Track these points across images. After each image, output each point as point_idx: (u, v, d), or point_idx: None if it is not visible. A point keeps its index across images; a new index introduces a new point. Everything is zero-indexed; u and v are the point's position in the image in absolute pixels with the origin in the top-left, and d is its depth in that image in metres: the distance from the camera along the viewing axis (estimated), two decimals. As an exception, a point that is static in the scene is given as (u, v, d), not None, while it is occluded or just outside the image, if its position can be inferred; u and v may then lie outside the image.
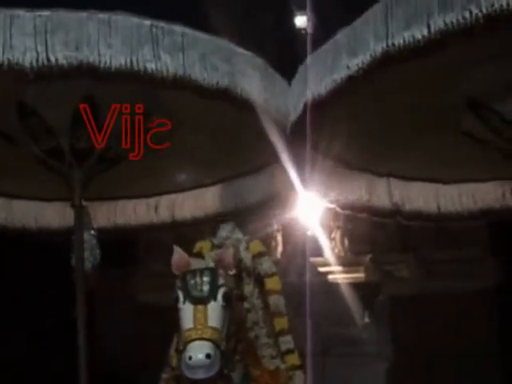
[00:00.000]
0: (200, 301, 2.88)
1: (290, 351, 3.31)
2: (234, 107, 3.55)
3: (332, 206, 4.69)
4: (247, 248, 3.41)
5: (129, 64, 3.27)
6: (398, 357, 7.54)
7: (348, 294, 7.28)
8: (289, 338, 3.34)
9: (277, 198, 4.61)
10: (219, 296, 2.89)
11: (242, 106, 3.55)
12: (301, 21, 6.94)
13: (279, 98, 3.79)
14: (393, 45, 3.00)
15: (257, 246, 3.45)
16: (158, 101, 3.68)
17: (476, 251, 7.98)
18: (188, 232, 7.01)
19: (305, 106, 3.52)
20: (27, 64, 3.20)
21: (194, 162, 4.30)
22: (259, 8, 7.15)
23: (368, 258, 8.00)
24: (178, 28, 3.44)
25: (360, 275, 7.93)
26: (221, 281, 2.93)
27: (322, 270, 7.59)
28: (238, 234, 3.45)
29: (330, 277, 7.70)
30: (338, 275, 7.69)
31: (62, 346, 4.25)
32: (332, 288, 7.41)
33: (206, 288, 2.90)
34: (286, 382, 3.25)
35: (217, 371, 2.77)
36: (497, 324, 7.80)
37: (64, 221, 4.66)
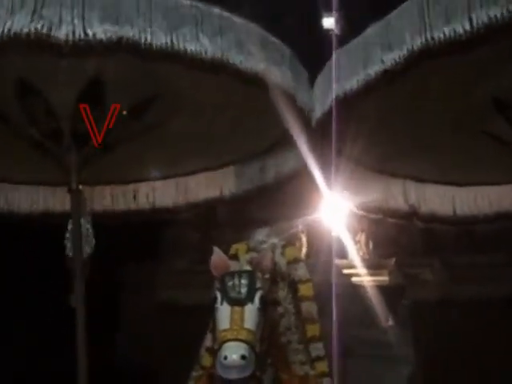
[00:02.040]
0: (237, 302, 2.94)
1: (319, 358, 3.34)
2: (263, 93, 3.49)
3: (353, 208, 4.69)
4: (283, 253, 3.45)
5: (169, 43, 3.18)
6: (421, 361, 7.50)
7: (372, 297, 7.25)
8: (320, 344, 3.37)
9: (290, 182, 4.57)
10: (256, 299, 2.95)
11: (272, 93, 3.49)
12: (328, 22, 6.93)
13: (305, 90, 3.77)
14: (432, 39, 2.94)
15: (292, 252, 3.50)
16: (168, 83, 3.62)
17: (501, 256, 7.92)
18: (211, 231, 7.08)
19: (332, 101, 3.50)
20: (62, 37, 3.02)
21: (198, 146, 4.25)
22: (285, 9, 7.16)
23: (392, 261, 7.97)
24: (216, 10, 3.38)
25: (384, 278, 7.90)
26: (258, 284, 3.00)
27: (346, 272, 7.57)
28: (274, 239, 3.48)
29: (354, 279, 7.68)
30: (363, 278, 7.67)
31: (61, 338, 4.19)
32: (356, 290, 7.38)
33: (243, 290, 2.97)
34: None
35: (250, 373, 2.80)
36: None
37: (59, 206, 4.58)
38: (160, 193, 4.77)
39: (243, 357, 2.78)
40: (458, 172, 4.36)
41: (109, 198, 4.75)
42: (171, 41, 3.18)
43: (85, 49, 3.07)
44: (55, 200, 4.62)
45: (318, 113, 3.68)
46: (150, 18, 3.17)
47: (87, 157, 3.95)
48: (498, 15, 2.76)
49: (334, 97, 3.44)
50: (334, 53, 3.58)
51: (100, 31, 3.07)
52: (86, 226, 4.03)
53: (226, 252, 3.27)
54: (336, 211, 6.13)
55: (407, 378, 7.45)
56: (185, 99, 3.78)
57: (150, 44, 3.14)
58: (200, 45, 3.25)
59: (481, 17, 2.80)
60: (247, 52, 3.39)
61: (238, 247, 3.40)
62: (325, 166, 3.91)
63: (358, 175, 4.32)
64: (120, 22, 3.12)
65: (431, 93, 3.44)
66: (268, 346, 2.98)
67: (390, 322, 7.55)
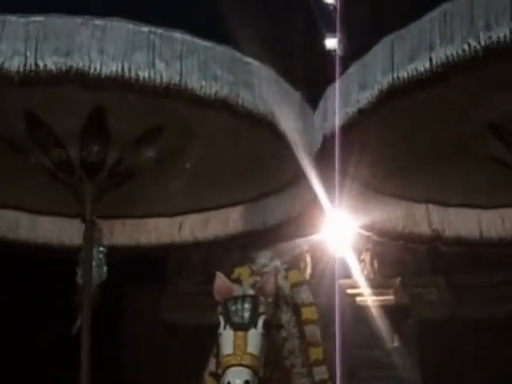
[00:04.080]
0: (240, 327, 2.92)
1: (323, 381, 3.32)
2: (236, 118, 3.47)
3: (366, 232, 4.70)
4: (286, 277, 3.44)
5: (120, 71, 3.17)
6: (427, 381, 7.46)
7: (377, 317, 7.23)
8: (323, 368, 3.35)
9: (299, 218, 4.58)
10: (259, 323, 2.94)
11: (245, 117, 3.46)
12: (331, 43, 6.97)
13: (292, 110, 3.71)
14: (398, 78, 3.10)
15: (296, 276, 3.48)
16: (169, 113, 3.62)
17: (506, 275, 7.90)
18: (215, 252, 7.08)
19: (324, 137, 3.62)
20: (13, 68, 3.13)
21: (212, 181, 4.26)
22: (288, 30, 7.20)
23: (398, 280, 7.95)
24: (178, 35, 3.34)
25: (389, 298, 7.87)
26: (261, 308, 2.98)
27: (350, 291, 7.55)
28: (277, 262, 3.48)
29: (359, 299, 7.66)
30: (367, 297, 7.64)
31: (66, 364, 4.19)
32: (361, 310, 7.37)
33: (246, 315, 2.95)
34: None
35: None
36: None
37: (74, 238, 4.61)
38: (176, 229, 4.81)
39: (247, 382, 2.77)
40: (481, 195, 4.38)
41: (127, 232, 4.79)
42: (122, 69, 3.18)
43: (36, 79, 3.15)
44: (72, 231, 4.63)
45: (314, 148, 3.75)
46: (102, 48, 3.19)
47: (101, 187, 3.98)
48: (454, 53, 2.92)
49: (324, 134, 3.59)
50: (327, 89, 3.67)
51: (50, 62, 3.14)
52: (99, 255, 4.06)
53: (229, 274, 3.27)
54: (341, 231, 6.13)
55: (413, 398, 7.42)
56: (194, 132, 3.80)
57: (99, 73, 3.16)
58: (155, 71, 3.22)
59: (439, 56, 2.96)
60: (211, 76, 3.34)
61: (241, 271, 3.39)
62: (328, 187, 3.93)
63: (374, 200, 4.35)
64: (71, 53, 3.17)
65: (417, 124, 3.53)
66: (272, 370, 2.97)
67: (396, 343, 7.52)
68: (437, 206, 4.55)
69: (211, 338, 3.16)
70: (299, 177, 3.91)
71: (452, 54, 2.91)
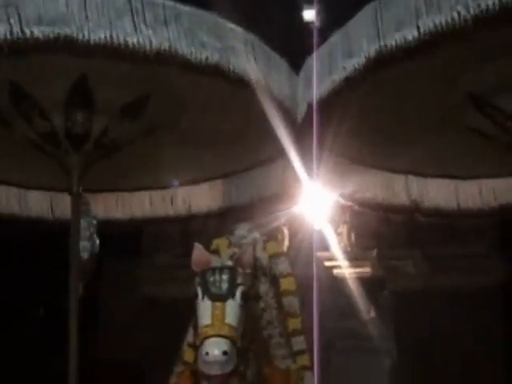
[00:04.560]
0: (218, 298, 2.94)
1: (301, 352, 3.35)
2: (228, 85, 3.43)
3: (345, 202, 4.71)
4: (264, 248, 3.45)
5: (108, 38, 3.13)
6: (402, 352, 7.56)
7: (353, 289, 7.30)
8: (301, 338, 3.38)
9: (288, 189, 4.59)
10: (237, 294, 2.95)
11: (237, 84, 3.42)
12: (309, 15, 6.94)
13: (280, 77, 3.67)
14: (385, 46, 3.06)
15: (274, 247, 3.50)
16: (157, 81, 3.58)
17: (481, 247, 7.99)
18: (193, 225, 7.08)
19: (308, 106, 3.57)
20: (1, 37, 3.08)
21: (203, 152, 4.24)
22: (267, 2, 7.16)
23: (374, 252, 8.01)
24: (159, 0, 3.28)
25: (366, 270, 7.95)
26: (239, 279, 3.00)
27: (328, 264, 7.61)
28: (255, 234, 3.48)
29: (336, 271, 7.72)
30: (344, 270, 7.71)
31: (56, 338, 4.20)
32: (338, 282, 7.43)
33: (224, 286, 2.97)
34: (297, 382, 3.28)
35: (232, 368, 2.82)
36: (503, 320, 7.80)
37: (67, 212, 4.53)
38: (160, 201, 4.80)
39: (225, 352, 2.79)
40: (459, 166, 4.40)
41: (121, 206, 4.78)
42: (110, 35, 3.13)
43: (23, 47, 3.10)
44: (66, 205, 4.62)
45: (298, 117, 3.72)
46: (87, 15, 3.14)
47: (87, 159, 3.93)
48: (443, 22, 2.88)
49: (310, 101, 3.52)
50: (308, 58, 3.63)
51: (37, 30, 3.10)
52: (90, 227, 4.04)
53: (207, 246, 3.28)
54: (318, 204, 6.15)
55: (389, 369, 7.53)
56: (183, 101, 3.77)
57: (88, 40, 3.12)
58: (143, 37, 3.18)
59: (427, 24, 2.92)
60: (199, 42, 3.29)
61: (219, 242, 3.40)
62: (309, 159, 3.94)
63: (354, 171, 4.36)
64: (57, 21, 3.12)
65: (402, 94, 3.52)
66: (250, 340, 2.99)
67: (372, 314, 7.60)
68: (416, 177, 4.57)
69: (190, 310, 3.17)
70: (283, 148, 3.91)
71: (440, 23, 2.88)
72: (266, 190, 4.58)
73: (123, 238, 6.12)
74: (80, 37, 3.11)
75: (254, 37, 3.60)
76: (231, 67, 3.36)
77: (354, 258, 7.89)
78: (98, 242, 4.07)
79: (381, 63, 3.10)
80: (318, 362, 3.49)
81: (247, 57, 3.47)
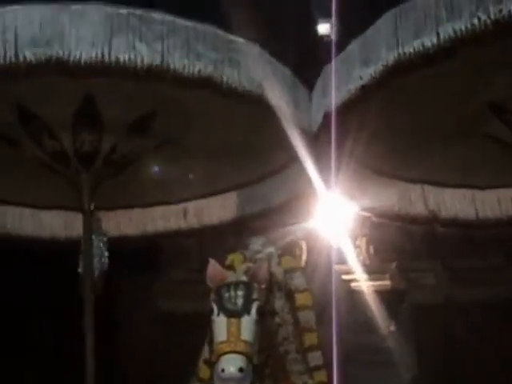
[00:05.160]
0: (234, 314, 2.95)
1: (318, 367, 3.34)
2: (223, 97, 3.42)
3: (364, 213, 4.69)
4: (279, 263, 3.44)
5: (100, 56, 3.15)
6: (423, 366, 7.47)
7: (373, 302, 7.23)
8: (318, 354, 3.37)
9: (300, 199, 4.57)
10: (253, 310, 2.95)
11: (231, 95, 3.41)
12: (324, 28, 6.93)
13: (282, 85, 3.66)
14: (404, 53, 3.02)
15: (289, 261, 3.49)
16: (163, 97, 3.60)
17: (501, 258, 7.91)
18: (211, 239, 7.06)
19: (325, 115, 3.54)
20: None
21: (211, 165, 4.24)
22: (281, 15, 7.16)
23: (393, 265, 7.94)
24: (158, 15, 3.31)
25: (385, 283, 7.87)
26: (255, 295, 3.00)
27: (346, 277, 7.55)
28: (271, 248, 3.47)
29: (354, 284, 7.65)
30: (363, 283, 7.64)
31: (71, 355, 4.22)
32: (356, 296, 7.37)
33: (240, 302, 2.97)
34: None
35: None
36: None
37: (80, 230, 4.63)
38: (173, 216, 4.80)
39: (241, 369, 2.78)
40: (478, 175, 4.37)
41: (134, 222, 4.79)
42: (102, 54, 3.15)
43: (17, 71, 3.14)
44: (78, 224, 4.64)
45: (314, 127, 3.69)
46: (81, 34, 3.17)
47: (97, 177, 3.97)
48: (463, 28, 2.84)
49: (326, 111, 3.51)
50: (325, 67, 3.61)
51: (29, 53, 3.12)
52: (100, 245, 4.06)
53: (222, 261, 3.26)
54: (336, 216, 6.11)
55: (409, 383, 7.43)
56: (189, 115, 3.77)
57: (79, 60, 3.14)
58: (135, 53, 3.19)
59: (447, 30, 2.88)
60: (194, 55, 3.30)
61: (234, 257, 3.40)
62: (324, 170, 3.91)
63: (372, 181, 4.33)
64: (50, 42, 3.15)
65: (421, 103, 3.48)
66: (266, 356, 2.98)
67: (391, 328, 7.53)
68: (433, 187, 4.54)
69: (206, 326, 3.15)
70: (297, 157, 3.89)
71: (460, 29, 2.83)
72: (279, 200, 4.56)
73: (139, 254, 6.13)
74: (71, 58, 3.13)
75: (256, 46, 3.59)
76: (224, 79, 3.35)
77: (373, 271, 7.82)
78: (107, 258, 4.09)
79: (399, 71, 3.07)
80: (337, 377, 3.45)
81: (244, 68, 3.45)
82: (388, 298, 7.54)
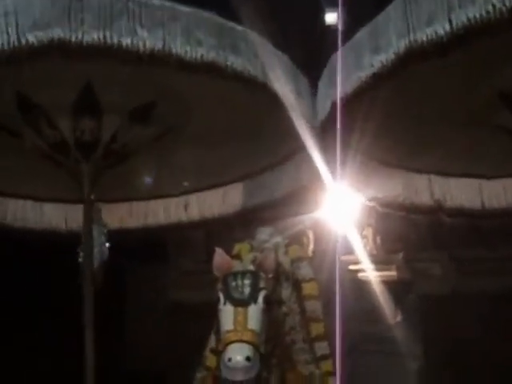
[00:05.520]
0: (241, 303, 2.94)
1: (325, 357, 3.34)
2: (227, 82, 3.41)
3: (369, 203, 4.67)
4: (286, 252, 3.43)
5: (102, 39, 3.15)
6: (429, 356, 7.47)
7: (379, 292, 7.23)
8: (325, 343, 3.37)
9: (304, 190, 4.55)
10: (260, 299, 2.95)
11: (236, 80, 3.41)
12: (331, 18, 6.90)
13: (282, 73, 3.64)
14: (415, 41, 2.96)
15: (296, 251, 3.48)
16: (164, 84, 3.58)
17: (508, 248, 7.88)
18: (218, 230, 7.06)
19: (333, 104, 3.51)
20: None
21: (213, 156, 4.23)
22: (287, 5, 7.13)
23: (400, 255, 7.93)
24: (157, 1, 3.31)
25: (392, 273, 7.87)
26: (262, 284, 2.99)
27: (352, 267, 7.55)
28: (277, 238, 3.46)
29: (361, 275, 7.65)
30: (370, 273, 7.64)
31: (71, 347, 4.22)
32: (363, 286, 7.36)
33: (247, 290, 2.97)
34: None
35: (255, 374, 2.79)
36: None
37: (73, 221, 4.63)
38: (174, 208, 4.79)
39: (248, 358, 2.77)
40: (484, 165, 4.35)
41: (135, 215, 4.79)
42: (104, 36, 3.15)
43: (20, 55, 3.13)
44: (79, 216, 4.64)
45: (321, 115, 3.67)
46: (82, 18, 3.16)
47: (98, 167, 3.95)
48: (477, 16, 2.77)
49: (334, 99, 3.46)
50: (333, 55, 3.58)
51: (32, 36, 3.11)
52: (100, 236, 4.06)
53: (229, 251, 3.26)
54: (343, 207, 6.10)
55: (415, 373, 7.44)
56: (190, 104, 3.75)
57: (81, 41, 3.13)
58: (138, 38, 3.19)
59: (460, 18, 2.82)
60: (195, 41, 3.28)
61: (241, 247, 3.39)
62: (330, 160, 3.89)
63: (376, 171, 4.31)
64: (51, 25, 3.15)
65: (431, 91, 3.45)
66: (273, 346, 2.97)
67: (398, 318, 7.52)
68: (438, 177, 4.52)
69: (213, 315, 3.15)
70: (302, 147, 3.88)
71: (474, 16, 2.76)
72: (283, 191, 4.55)
73: (146, 245, 6.14)
74: (73, 39, 3.12)
75: (256, 34, 3.57)
76: (228, 64, 3.34)
77: (380, 262, 7.81)
78: (107, 249, 4.08)
79: (410, 59, 3.02)
80: (341, 366, 3.45)
81: (246, 54, 3.44)
82: (394, 288, 7.53)
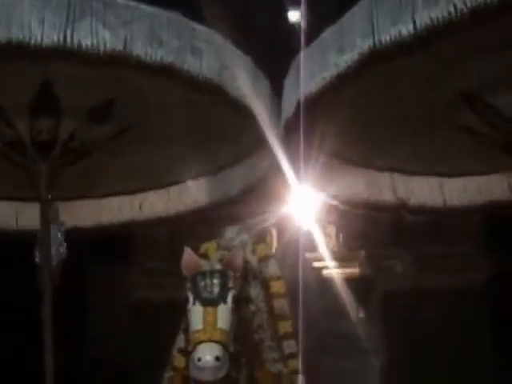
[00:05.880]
0: (210, 303, 2.92)
1: (292, 355, 3.33)
2: (184, 85, 3.39)
3: (331, 201, 4.70)
4: (253, 250, 3.42)
5: (62, 40, 3.07)
6: (392, 352, 7.56)
7: (342, 289, 7.29)
8: (292, 342, 3.35)
9: (264, 188, 4.56)
10: (229, 298, 2.93)
11: (192, 83, 3.38)
12: (294, 16, 6.93)
13: (246, 74, 3.63)
14: (379, 42, 2.97)
15: (263, 249, 3.47)
16: (122, 83, 3.55)
17: (468, 246, 8.01)
18: (180, 229, 7.04)
19: (298, 104, 3.52)
20: None
21: (171, 155, 4.18)
22: (251, 4, 7.14)
23: (362, 253, 8.01)
24: (122, 1, 3.24)
25: (354, 270, 7.94)
26: (230, 283, 2.97)
27: (316, 265, 7.60)
28: (244, 236, 3.45)
29: (325, 272, 7.71)
30: (333, 270, 7.70)
31: (31, 347, 4.18)
32: (326, 283, 7.42)
33: (216, 290, 2.94)
34: None
35: (225, 373, 2.79)
36: (488, 319, 7.83)
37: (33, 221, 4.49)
38: (156, 202, 4.75)
39: (217, 358, 2.76)
40: (444, 163, 4.39)
41: (87, 213, 4.74)
42: (64, 38, 3.08)
43: None
44: (31, 214, 4.56)
45: (285, 114, 3.68)
46: (43, 18, 3.09)
47: (55, 166, 3.89)
48: (440, 16, 2.81)
49: (299, 99, 3.46)
50: (298, 55, 3.59)
51: None
52: (58, 234, 4.02)
53: (195, 250, 3.24)
54: (306, 205, 6.13)
55: (379, 369, 7.52)
56: (148, 103, 3.73)
57: (40, 44, 3.06)
58: (98, 39, 3.13)
59: (423, 19, 2.85)
60: (157, 42, 3.24)
61: (208, 246, 3.37)
62: (293, 159, 3.91)
63: (339, 169, 4.33)
64: (11, 25, 3.07)
65: (393, 91, 3.47)
66: (242, 344, 2.97)
67: (361, 314, 7.60)
68: (401, 175, 4.57)
69: (178, 315, 3.14)
70: (258, 145, 3.88)
71: (437, 17, 2.79)
72: (239, 189, 4.55)
73: (110, 243, 6.09)
74: (32, 41, 3.05)
75: (218, 35, 3.55)
76: (185, 67, 3.32)
77: (343, 259, 7.88)
78: (65, 248, 4.05)
79: (374, 60, 3.03)
80: (305, 362, 3.46)
81: (206, 56, 3.42)
82: (357, 285, 7.60)
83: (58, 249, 4.01)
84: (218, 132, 3.95)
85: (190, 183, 4.64)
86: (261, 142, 3.86)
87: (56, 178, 3.94)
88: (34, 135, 3.77)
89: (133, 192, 4.72)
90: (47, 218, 3.95)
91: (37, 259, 3.99)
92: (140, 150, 4.12)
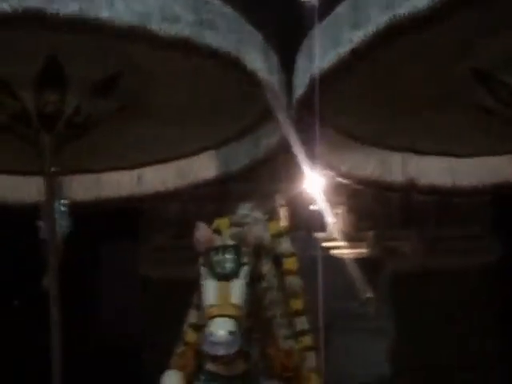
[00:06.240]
0: (224, 277, 2.89)
1: (304, 332, 3.33)
2: (200, 59, 3.37)
3: (342, 180, 4.69)
4: (266, 227, 3.41)
5: (79, 11, 3.05)
6: (400, 332, 7.56)
7: (351, 270, 7.28)
8: (304, 319, 3.36)
9: (264, 163, 4.55)
10: (242, 273, 2.92)
11: (209, 57, 3.37)
12: (306, -6, 6.85)
13: (258, 50, 3.63)
14: (395, 16, 2.94)
15: (276, 226, 3.46)
16: (128, 57, 3.54)
17: (478, 228, 7.99)
18: (190, 206, 7.04)
19: (310, 80, 3.49)
20: None
21: (175, 128, 4.19)
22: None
23: (371, 234, 7.99)
24: None
25: (363, 251, 7.93)
26: (244, 258, 2.96)
27: (325, 245, 7.59)
28: (257, 213, 3.44)
29: (334, 252, 7.70)
30: (341, 250, 7.69)
31: (37, 322, 4.18)
32: (335, 263, 7.41)
33: (229, 265, 2.92)
34: (300, 362, 3.25)
35: (237, 348, 2.78)
36: (499, 300, 7.81)
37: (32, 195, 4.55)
38: (156, 177, 4.75)
39: (231, 332, 2.76)
40: (456, 143, 4.38)
41: (87, 187, 4.73)
42: (81, 9, 3.05)
43: None
44: (31, 188, 4.55)
45: (298, 91, 3.66)
46: None
47: (60, 139, 3.87)
48: None
49: (312, 75, 3.43)
50: (311, 31, 3.56)
51: (6, 4, 3.00)
52: (61, 208, 4.01)
53: (208, 226, 3.23)
54: (316, 184, 6.12)
55: (387, 349, 7.52)
56: (155, 76, 3.71)
57: (57, 13, 3.03)
58: (115, 12, 3.10)
59: None
60: (172, 17, 3.22)
61: (220, 222, 3.36)
62: (308, 141, 3.89)
63: (351, 148, 4.32)
64: None
65: (408, 69, 3.46)
66: (254, 321, 2.97)
67: (369, 294, 7.59)
68: (412, 155, 4.55)
69: (188, 291, 3.14)
70: (264, 120, 3.86)
71: None
72: (239, 165, 4.53)
73: (119, 220, 6.10)
74: (49, 10, 3.02)
75: (231, 9, 3.54)
76: (203, 40, 3.30)
77: (352, 239, 7.87)
78: (68, 222, 4.05)
79: (390, 35, 3.01)
80: (315, 341, 3.47)
81: (222, 30, 3.40)
82: (366, 265, 7.59)
83: (62, 222, 4.04)
84: (222, 107, 3.94)
85: (189, 159, 4.63)
86: (267, 118, 3.85)
87: (59, 151, 3.92)
88: (39, 107, 3.76)
89: (133, 167, 4.72)
90: (51, 190, 3.94)
91: (41, 234, 3.99)
92: (141, 125, 4.11)
